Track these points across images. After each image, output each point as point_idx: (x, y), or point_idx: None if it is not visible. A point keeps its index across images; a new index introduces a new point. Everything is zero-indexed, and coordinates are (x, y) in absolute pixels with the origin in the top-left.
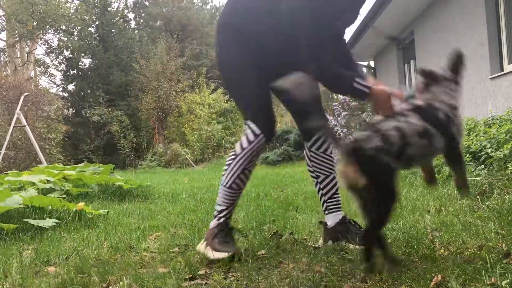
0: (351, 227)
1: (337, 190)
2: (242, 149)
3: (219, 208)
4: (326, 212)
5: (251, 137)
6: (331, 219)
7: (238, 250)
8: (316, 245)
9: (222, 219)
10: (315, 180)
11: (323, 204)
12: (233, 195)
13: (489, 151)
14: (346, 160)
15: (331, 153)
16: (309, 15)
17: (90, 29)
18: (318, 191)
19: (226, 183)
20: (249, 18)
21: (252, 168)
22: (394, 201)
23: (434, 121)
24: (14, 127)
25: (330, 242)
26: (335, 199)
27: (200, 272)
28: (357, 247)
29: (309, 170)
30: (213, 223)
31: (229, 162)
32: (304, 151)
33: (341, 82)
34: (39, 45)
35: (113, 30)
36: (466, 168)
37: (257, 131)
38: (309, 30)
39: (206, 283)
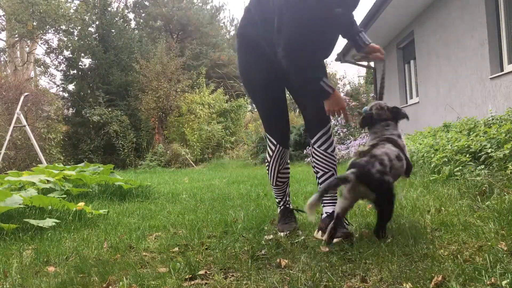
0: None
1: None
2: (270, 157)
3: (277, 200)
4: (322, 205)
5: (272, 147)
6: (324, 211)
7: (296, 226)
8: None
9: (282, 206)
10: (316, 174)
11: None
12: (281, 189)
13: (489, 151)
14: (358, 183)
15: (332, 151)
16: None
17: (90, 29)
18: (317, 184)
19: (273, 183)
20: (259, 26)
21: (285, 166)
22: (393, 204)
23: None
24: (14, 127)
25: (320, 232)
26: (330, 195)
27: (200, 272)
28: (336, 240)
29: (312, 165)
30: (278, 210)
31: (266, 168)
32: (308, 147)
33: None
34: (39, 45)
35: (113, 30)
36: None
37: (274, 141)
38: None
39: (206, 283)
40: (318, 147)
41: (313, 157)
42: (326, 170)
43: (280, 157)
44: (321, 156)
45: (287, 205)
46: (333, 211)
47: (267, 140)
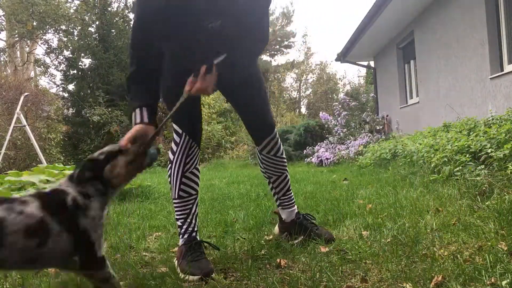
0: (304, 222)
1: (289, 188)
2: (173, 153)
3: (179, 223)
4: (281, 207)
5: (177, 139)
6: (286, 214)
7: (209, 267)
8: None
9: (186, 235)
10: (268, 180)
11: (276, 200)
12: (185, 205)
13: (489, 151)
14: None
15: (281, 154)
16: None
17: (90, 29)
18: (271, 189)
19: (174, 195)
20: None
21: (193, 169)
22: None
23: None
24: (14, 127)
25: (285, 234)
26: (287, 196)
27: None
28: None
29: (262, 171)
30: (180, 241)
31: (168, 173)
32: (256, 154)
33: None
34: (39, 45)
35: (113, 30)
36: None
37: (179, 130)
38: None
39: (206, 283)
40: (267, 153)
41: (262, 163)
42: (279, 174)
43: (186, 153)
44: (271, 161)
45: (194, 234)
46: (297, 213)
47: (173, 132)
